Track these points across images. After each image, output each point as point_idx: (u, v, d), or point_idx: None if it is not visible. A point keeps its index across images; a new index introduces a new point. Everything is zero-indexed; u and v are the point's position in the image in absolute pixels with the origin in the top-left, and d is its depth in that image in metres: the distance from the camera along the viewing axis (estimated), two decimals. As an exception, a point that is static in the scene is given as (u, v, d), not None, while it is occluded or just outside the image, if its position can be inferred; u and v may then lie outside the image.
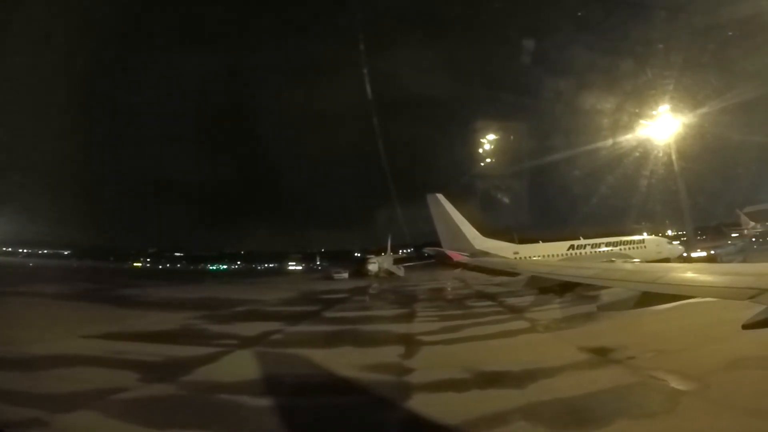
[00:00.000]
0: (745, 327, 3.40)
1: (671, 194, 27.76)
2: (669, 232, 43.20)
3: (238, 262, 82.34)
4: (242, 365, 10.48)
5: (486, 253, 25.67)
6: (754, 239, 39.54)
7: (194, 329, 15.54)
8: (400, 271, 45.56)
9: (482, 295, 25.52)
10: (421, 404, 7.47)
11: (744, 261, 21.56)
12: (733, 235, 42.83)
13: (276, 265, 74.17)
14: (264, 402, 7.75)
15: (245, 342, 13.31)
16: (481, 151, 30.11)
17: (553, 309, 17.69)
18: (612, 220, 35.93)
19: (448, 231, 26.31)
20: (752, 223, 39.41)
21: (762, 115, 23.88)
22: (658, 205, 29.75)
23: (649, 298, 4.77)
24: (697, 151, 25.34)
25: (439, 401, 7.63)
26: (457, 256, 25.11)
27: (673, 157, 26.30)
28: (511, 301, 22.25)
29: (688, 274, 5.30)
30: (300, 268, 68.55)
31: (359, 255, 58.83)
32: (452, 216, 26.25)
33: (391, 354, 11.29)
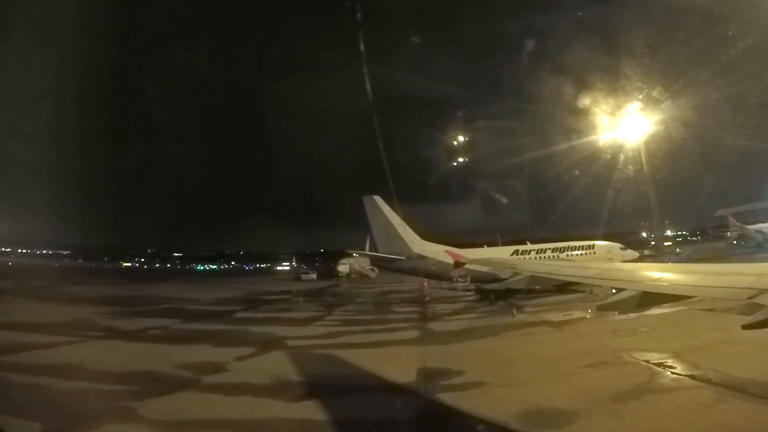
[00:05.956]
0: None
1: (661, 197, 26.65)
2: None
3: (232, 263, 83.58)
4: (69, 354, 10.99)
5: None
6: (735, 242, 38.27)
7: (83, 322, 15.81)
8: (372, 273, 44.70)
9: (420, 300, 25.11)
10: (174, 400, 7.62)
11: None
12: (728, 235, 41.75)
13: (267, 265, 74.66)
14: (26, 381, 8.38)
15: (112, 335, 13.88)
16: (453, 152, 29.30)
17: (465, 319, 17.39)
18: (584, 224, 34.65)
19: (386, 233, 25.81)
20: (738, 224, 38.20)
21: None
22: (637, 208, 28.51)
23: (650, 298, 4.70)
24: (684, 153, 24.12)
25: (191, 400, 7.78)
26: (457, 256, 24.57)
27: (642, 158, 25.31)
28: (439, 307, 21.86)
29: (689, 274, 5.27)
30: (288, 268, 68.88)
31: (356, 255, 58.11)
32: (390, 218, 25.73)
33: (229, 355, 11.28)
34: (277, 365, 10.25)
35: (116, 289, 30.54)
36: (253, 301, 26.50)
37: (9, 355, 10.33)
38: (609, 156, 24.49)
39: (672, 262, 24.59)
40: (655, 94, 21.14)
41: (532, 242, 27.00)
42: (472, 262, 22.16)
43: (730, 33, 18.95)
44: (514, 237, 30.15)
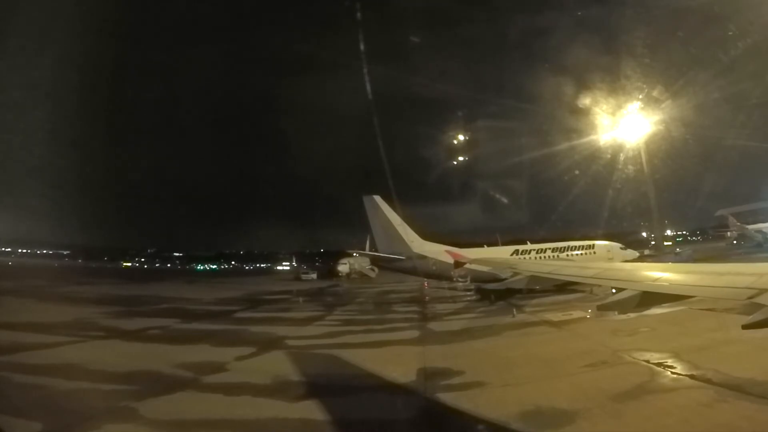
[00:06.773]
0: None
1: (661, 197, 26.58)
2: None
3: (232, 262, 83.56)
4: (70, 354, 11.00)
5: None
6: (735, 242, 38.29)
7: (83, 322, 15.82)
8: (373, 272, 44.67)
9: (420, 300, 25.13)
10: (169, 401, 7.60)
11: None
12: (728, 235, 41.79)
13: (267, 265, 74.55)
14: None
15: (112, 335, 13.90)
16: (453, 152, 29.14)
17: (465, 319, 17.39)
18: (584, 224, 34.61)
19: (385, 233, 25.83)
20: (738, 224, 38.26)
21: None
22: (637, 208, 28.44)
23: (650, 298, 4.71)
24: (684, 153, 24.02)
25: (191, 400, 7.81)
26: (458, 256, 24.56)
27: (642, 158, 25.26)
28: (439, 307, 21.86)
29: (689, 274, 5.27)
30: (288, 268, 68.80)
31: (356, 255, 57.97)
32: (390, 218, 25.74)
33: (229, 355, 11.31)
34: (277, 365, 10.25)
35: (116, 288, 30.53)
36: (253, 300, 26.51)
37: (10, 354, 10.32)
38: (609, 156, 24.42)
39: (672, 262, 24.60)
40: (655, 94, 21.09)
41: (532, 242, 27.03)
42: (472, 261, 22.12)
43: (730, 33, 18.91)
44: (514, 237, 30.24)
